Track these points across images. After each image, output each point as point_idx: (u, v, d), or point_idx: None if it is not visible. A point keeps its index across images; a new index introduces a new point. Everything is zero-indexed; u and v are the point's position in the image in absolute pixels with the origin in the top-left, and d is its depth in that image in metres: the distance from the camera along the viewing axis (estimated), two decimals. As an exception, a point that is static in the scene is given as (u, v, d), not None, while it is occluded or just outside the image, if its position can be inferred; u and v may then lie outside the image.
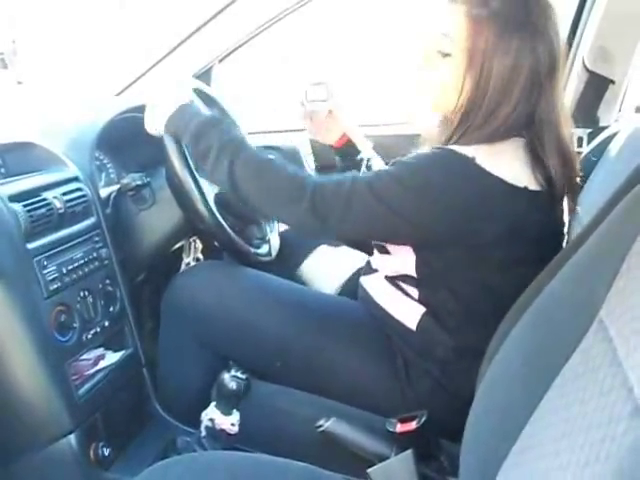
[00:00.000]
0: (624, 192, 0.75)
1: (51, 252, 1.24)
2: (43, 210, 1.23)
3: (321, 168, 2.14)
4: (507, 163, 1.11)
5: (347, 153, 1.53)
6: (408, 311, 1.24)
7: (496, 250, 1.12)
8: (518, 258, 1.12)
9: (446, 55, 1.14)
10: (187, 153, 1.34)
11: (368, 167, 1.51)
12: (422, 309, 1.22)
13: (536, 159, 1.14)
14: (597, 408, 0.57)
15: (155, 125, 1.32)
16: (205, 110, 1.43)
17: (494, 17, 1.10)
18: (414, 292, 1.23)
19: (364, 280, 1.34)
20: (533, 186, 1.13)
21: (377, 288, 1.30)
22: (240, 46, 1.97)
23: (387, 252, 1.24)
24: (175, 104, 1.29)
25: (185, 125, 1.25)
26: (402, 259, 1.20)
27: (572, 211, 1.23)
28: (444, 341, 1.20)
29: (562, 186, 1.18)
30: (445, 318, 1.20)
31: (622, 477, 0.48)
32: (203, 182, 1.38)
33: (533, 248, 1.12)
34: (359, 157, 1.52)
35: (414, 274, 1.20)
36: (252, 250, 1.47)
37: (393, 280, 1.25)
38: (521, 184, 1.11)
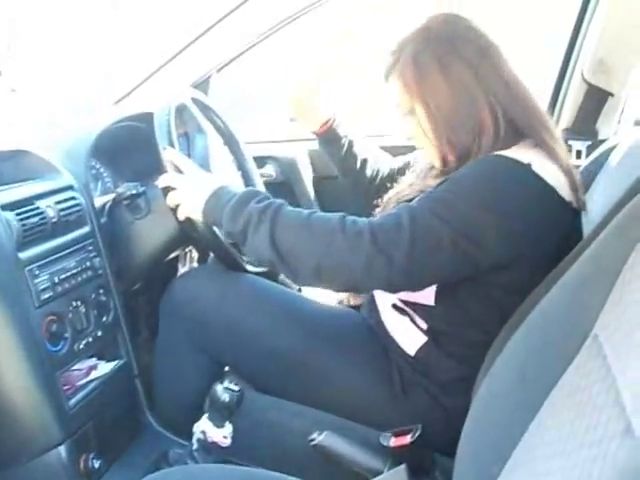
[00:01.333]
0: (621, 206, 0.74)
1: (43, 261, 1.23)
2: (36, 219, 1.23)
3: (319, 179, 2.14)
4: (553, 172, 1.10)
5: (329, 140, 1.55)
6: (410, 337, 1.22)
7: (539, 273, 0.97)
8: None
9: (410, 112, 1.19)
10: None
11: (350, 150, 1.53)
12: (425, 338, 1.20)
13: (559, 162, 1.13)
14: (590, 426, 0.56)
15: (193, 214, 1.24)
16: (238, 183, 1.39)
17: (421, 62, 1.16)
18: (422, 323, 1.21)
19: (375, 291, 1.32)
20: (575, 203, 1.12)
21: (384, 305, 1.28)
22: (238, 56, 1.97)
23: None
24: (207, 190, 1.19)
25: (220, 212, 1.15)
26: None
27: None
28: (444, 366, 1.19)
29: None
30: (448, 346, 1.18)
31: (614, 498, 0.47)
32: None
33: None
34: (342, 142, 1.54)
35: (431, 303, 1.17)
36: (245, 259, 1.46)
37: (402, 307, 1.23)
38: (568, 198, 1.11)
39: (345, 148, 1.54)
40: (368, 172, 1.56)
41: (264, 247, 1.08)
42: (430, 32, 1.17)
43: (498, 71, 1.15)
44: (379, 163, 1.58)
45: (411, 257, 1.02)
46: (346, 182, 1.62)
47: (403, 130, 1.24)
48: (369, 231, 1.04)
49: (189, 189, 1.23)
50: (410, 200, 1.16)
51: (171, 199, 1.25)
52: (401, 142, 1.91)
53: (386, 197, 1.34)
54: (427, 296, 1.17)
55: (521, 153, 1.09)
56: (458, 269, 1.08)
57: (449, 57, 1.14)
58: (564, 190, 1.10)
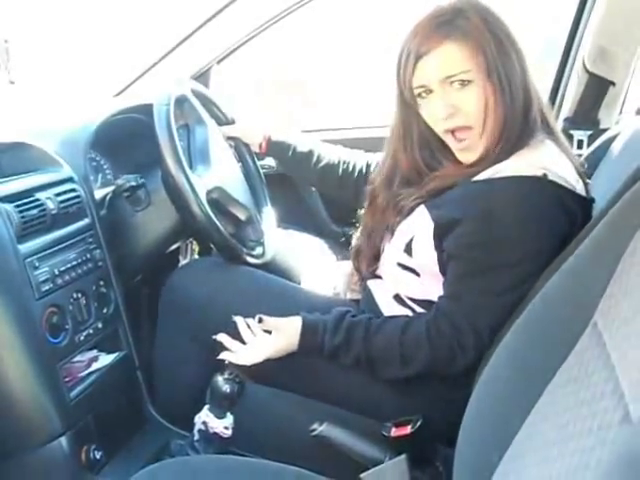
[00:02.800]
0: (622, 194, 0.74)
1: (43, 253, 1.22)
2: (36, 211, 1.22)
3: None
4: (566, 169, 1.11)
5: (277, 153, 1.61)
6: None
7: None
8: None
9: (469, 82, 1.12)
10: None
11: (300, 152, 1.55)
12: None
13: (571, 156, 1.15)
14: (589, 414, 0.56)
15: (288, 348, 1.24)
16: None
17: (481, 35, 1.11)
18: (422, 312, 1.22)
19: (372, 284, 1.32)
20: (580, 191, 1.13)
21: (384, 298, 1.28)
22: (239, 47, 1.96)
23: (415, 274, 1.22)
24: (291, 343, 1.23)
25: (320, 347, 1.21)
26: (430, 285, 1.19)
27: None
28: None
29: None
30: None
31: (612, 485, 0.47)
32: (197, 182, 1.37)
33: None
34: (299, 150, 1.55)
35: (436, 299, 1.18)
36: (246, 251, 1.45)
37: (404, 300, 1.24)
38: (583, 193, 1.13)
39: (292, 153, 1.56)
40: (337, 169, 1.54)
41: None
42: (475, 5, 1.14)
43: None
44: (349, 158, 1.55)
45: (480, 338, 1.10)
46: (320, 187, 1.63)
47: (445, 107, 1.14)
48: (457, 343, 1.12)
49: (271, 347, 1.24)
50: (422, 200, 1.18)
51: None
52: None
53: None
54: (436, 293, 1.18)
55: (535, 158, 1.10)
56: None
57: (505, 32, 1.14)
58: (578, 186, 1.12)
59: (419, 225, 1.17)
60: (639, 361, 0.52)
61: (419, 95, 1.16)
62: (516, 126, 1.13)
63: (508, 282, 1.08)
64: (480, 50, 1.11)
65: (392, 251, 1.24)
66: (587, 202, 1.15)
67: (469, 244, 1.11)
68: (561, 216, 1.09)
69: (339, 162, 1.54)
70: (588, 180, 1.19)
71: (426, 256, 1.17)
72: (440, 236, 1.14)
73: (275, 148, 1.60)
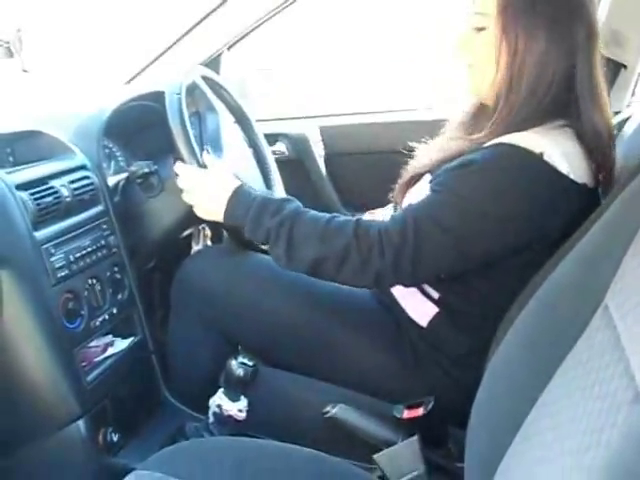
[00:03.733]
0: (633, 176, 0.74)
1: (59, 240, 1.24)
2: (50, 198, 1.24)
3: (331, 156, 2.14)
4: (570, 156, 1.10)
5: None
6: (422, 309, 1.23)
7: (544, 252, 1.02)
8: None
9: (481, 29, 1.15)
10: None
11: None
12: (436, 309, 1.21)
13: (588, 151, 1.13)
14: (600, 395, 0.56)
15: (212, 216, 1.27)
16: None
17: None
18: (434, 293, 1.22)
19: None
20: (590, 183, 1.12)
21: None
22: (249, 33, 1.96)
23: None
24: (226, 189, 1.23)
25: (241, 223, 1.21)
26: None
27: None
28: (455, 339, 1.20)
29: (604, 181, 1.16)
30: (460, 318, 1.20)
31: (622, 463, 0.48)
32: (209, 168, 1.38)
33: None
34: None
35: (442, 275, 1.18)
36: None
37: None
38: (582, 180, 1.11)
39: None
40: None
41: (283, 258, 1.16)
42: None
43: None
44: None
45: (417, 264, 1.09)
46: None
47: (462, 42, 1.18)
48: (378, 242, 1.09)
49: (205, 192, 1.27)
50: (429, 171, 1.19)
51: (187, 197, 1.30)
52: (425, 117, 1.91)
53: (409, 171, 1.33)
54: None
55: (539, 137, 1.09)
56: (462, 267, 1.14)
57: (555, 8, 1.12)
58: (579, 173, 1.10)
59: (419, 191, 1.19)
60: (649, 343, 0.53)
61: None
62: (522, 99, 1.12)
63: (449, 252, 1.09)
64: (509, 9, 1.11)
65: None
66: (589, 195, 1.13)
67: (444, 182, 1.12)
68: (547, 198, 1.08)
69: None
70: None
71: None
72: None
73: None
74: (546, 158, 1.07)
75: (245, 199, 1.21)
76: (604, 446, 0.51)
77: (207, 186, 1.27)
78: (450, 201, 1.09)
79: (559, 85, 1.12)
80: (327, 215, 1.17)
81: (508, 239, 1.10)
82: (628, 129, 1.42)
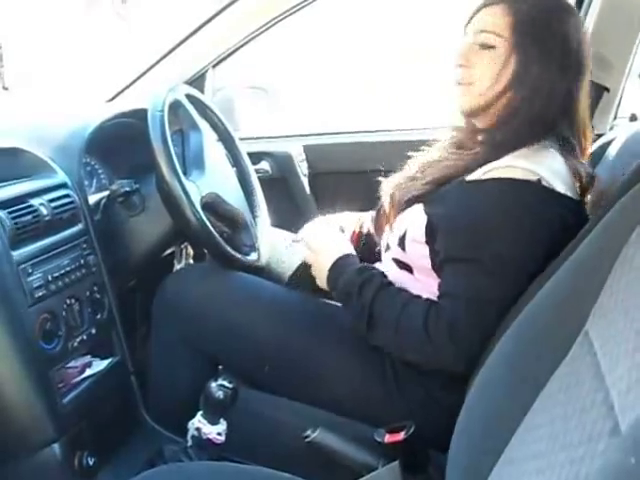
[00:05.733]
0: (613, 205, 0.74)
1: (37, 259, 1.22)
2: (29, 217, 1.22)
3: (315, 175, 2.13)
4: (561, 175, 1.12)
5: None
6: None
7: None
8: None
9: (488, 47, 1.16)
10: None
11: None
12: None
13: (572, 166, 1.15)
14: (579, 425, 0.56)
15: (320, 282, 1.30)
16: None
17: (527, 18, 1.14)
18: None
19: None
20: (575, 196, 1.15)
21: None
22: (235, 51, 1.96)
23: (409, 271, 1.22)
24: (331, 257, 1.27)
25: (334, 285, 1.25)
26: (425, 283, 1.19)
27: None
28: None
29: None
30: None
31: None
32: (191, 188, 1.37)
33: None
34: None
35: (433, 297, 1.18)
36: (240, 257, 1.45)
37: None
38: (576, 197, 1.14)
39: None
40: None
41: (364, 334, 1.20)
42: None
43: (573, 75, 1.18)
44: None
45: (480, 340, 1.08)
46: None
47: (462, 56, 1.19)
48: (448, 337, 1.11)
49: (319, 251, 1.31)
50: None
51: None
52: (411, 137, 1.90)
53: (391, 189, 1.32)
54: (429, 291, 1.18)
55: (530, 163, 1.10)
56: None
57: (557, 26, 1.16)
58: (573, 190, 1.14)
59: (413, 219, 1.18)
60: (629, 372, 0.52)
61: None
62: (518, 122, 1.14)
63: (499, 285, 1.08)
64: (518, 28, 1.14)
65: (390, 246, 1.25)
66: (581, 207, 1.16)
67: (462, 245, 1.12)
68: (554, 221, 1.10)
69: None
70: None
71: (418, 250, 1.18)
72: (431, 232, 1.15)
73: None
74: (544, 183, 1.09)
75: (341, 270, 1.25)
76: (583, 478, 0.50)
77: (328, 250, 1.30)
78: (488, 270, 1.09)
79: (553, 108, 1.15)
80: (403, 298, 1.17)
81: (538, 269, 1.06)
82: (611, 152, 1.43)
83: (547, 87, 1.14)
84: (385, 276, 1.23)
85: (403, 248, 1.20)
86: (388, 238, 1.27)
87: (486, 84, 1.17)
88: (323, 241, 1.33)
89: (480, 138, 1.22)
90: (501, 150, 1.14)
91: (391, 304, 1.17)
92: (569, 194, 1.12)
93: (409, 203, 1.21)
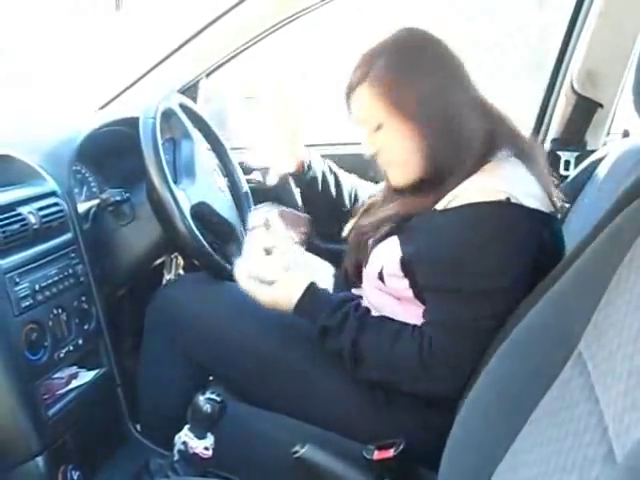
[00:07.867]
0: (609, 220, 0.73)
1: (24, 269, 1.20)
2: (17, 226, 1.20)
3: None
4: (529, 187, 1.11)
5: (306, 178, 1.53)
6: None
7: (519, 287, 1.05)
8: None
9: (378, 128, 1.16)
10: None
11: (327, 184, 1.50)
12: None
13: (536, 172, 1.14)
14: (572, 447, 0.55)
15: (281, 307, 1.24)
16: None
17: (385, 81, 1.14)
18: None
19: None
20: (546, 207, 1.13)
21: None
22: (228, 60, 1.95)
23: (395, 298, 1.20)
24: (300, 286, 1.22)
25: (313, 318, 1.21)
26: (411, 309, 1.17)
27: None
28: None
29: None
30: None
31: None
32: (181, 197, 1.36)
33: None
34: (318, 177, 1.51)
35: (418, 323, 1.17)
36: (230, 267, 1.44)
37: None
38: (548, 209, 1.12)
39: (321, 184, 1.52)
40: (346, 201, 1.53)
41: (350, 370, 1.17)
42: (399, 44, 1.17)
43: (468, 86, 1.17)
44: (357, 189, 1.55)
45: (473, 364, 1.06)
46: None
47: (368, 146, 1.20)
48: (445, 365, 1.10)
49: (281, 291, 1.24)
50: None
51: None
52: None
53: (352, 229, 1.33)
54: (415, 317, 1.17)
55: (495, 180, 1.09)
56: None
57: (424, 67, 1.15)
58: (544, 202, 1.12)
59: (387, 254, 1.17)
60: (623, 395, 0.51)
61: None
62: (456, 154, 1.12)
63: (485, 307, 1.07)
64: (392, 95, 1.13)
65: (369, 276, 1.23)
66: (552, 219, 1.14)
67: (444, 275, 1.10)
68: (528, 237, 1.09)
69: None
70: (566, 204, 1.19)
71: (398, 284, 1.16)
72: (409, 265, 1.13)
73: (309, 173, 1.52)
74: (513, 200, 1.07)
75: (310, 311, 1.21)
76: (577, 504, 0.49)
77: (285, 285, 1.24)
78: (472, 296, 1.08)
79: (471, 119, 1.14)
80: (391, 331, 1.15)
81: (522, 288, 1.04)
82: (603, 168, 1.43)
83: (448, 111, 1.13)
84: (360, 305, 1.21)
85: (383, 282, 1.18)
86: (366, 271, 1.25)
87: (403, 154, 1.16)
88: (276, 272, 1.26)
89: (435, 181, 1.18)
90: (456, 178, 1.12)
91: (377, 344, 1.15)
92: (538, 206, 1.09)
93: (380, 240, 1.20)
